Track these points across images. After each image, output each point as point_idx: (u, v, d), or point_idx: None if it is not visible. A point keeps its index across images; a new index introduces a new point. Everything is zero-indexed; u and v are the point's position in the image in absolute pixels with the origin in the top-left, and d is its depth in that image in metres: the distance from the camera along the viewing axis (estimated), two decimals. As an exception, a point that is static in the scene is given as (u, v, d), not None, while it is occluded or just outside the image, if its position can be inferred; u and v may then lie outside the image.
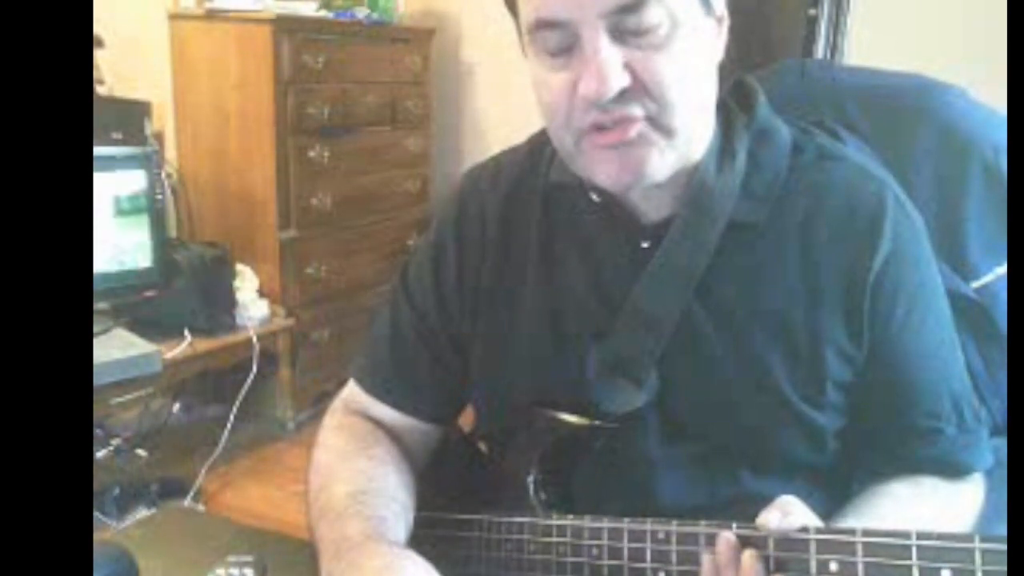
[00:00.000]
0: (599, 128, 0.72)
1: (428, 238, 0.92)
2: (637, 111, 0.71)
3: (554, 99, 0.73)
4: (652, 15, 0.69)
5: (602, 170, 0.74)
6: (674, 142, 0.73)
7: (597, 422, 0.81)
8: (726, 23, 0.77)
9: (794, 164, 0.81)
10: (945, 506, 0.79)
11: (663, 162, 0.73)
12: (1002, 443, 0.83)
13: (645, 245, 0.80)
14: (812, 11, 2.41)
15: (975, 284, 0.90)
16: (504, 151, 0.93)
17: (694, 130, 0.75)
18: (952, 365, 0.82)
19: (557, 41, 0.71)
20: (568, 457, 0.84)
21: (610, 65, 0.69)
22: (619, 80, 0.69)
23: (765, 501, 0.68)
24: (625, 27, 0.69)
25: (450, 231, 0.89)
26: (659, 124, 0.72)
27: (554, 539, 0.78)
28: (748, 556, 0.65)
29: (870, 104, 0.94)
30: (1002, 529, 0.58)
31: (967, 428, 0.81)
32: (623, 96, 0.70)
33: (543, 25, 0.71)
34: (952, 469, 0.81)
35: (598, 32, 0.68)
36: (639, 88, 0.70)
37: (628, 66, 0.69)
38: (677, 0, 0.70)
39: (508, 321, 0.86)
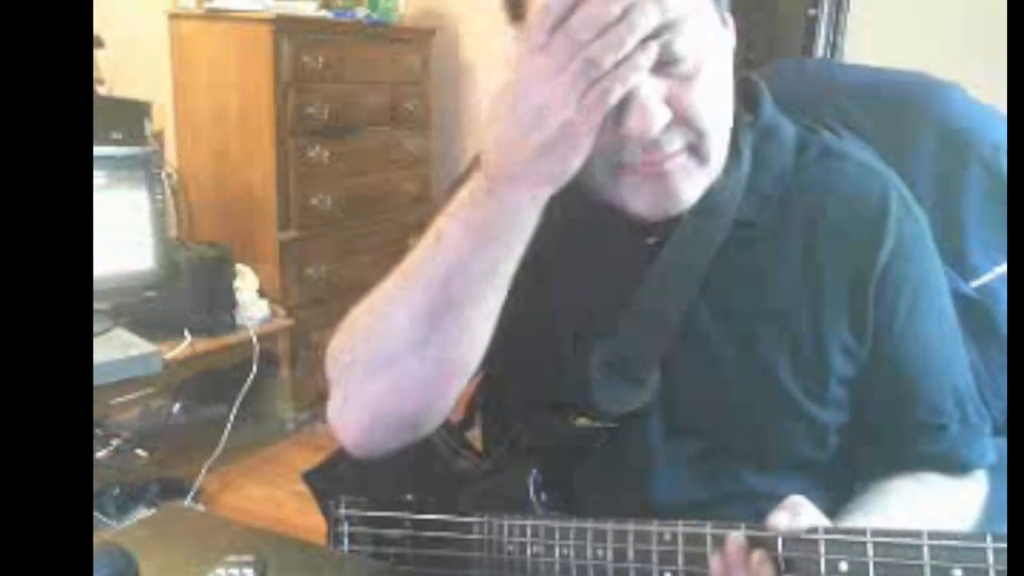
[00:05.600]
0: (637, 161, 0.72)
1: None
2: (678, 144, 0.72)
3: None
4: (682, 45, 0.69)
5: (638, 201, 0.75)
6: (708, 168, 0.75)
7: (598, 422, 0.81)
8: (731, 24, 0.77)
9: (798, 162, 0.81)
10: (949, 502, 0.79)
11: (696, 188, 0.75)
12: (1003, 442, 0.83)
13: (650, 242, 0.80)
14: (812, 11, 2.42)
15: (975, 283, 0.90)
16: None
17: (723, 148, 0.76)
18: (955, 362, 0.82)
19: None
20: (569, 457, 0.84)
21: (653, 102, 0.68)
22: (663, 116, 0.69)
23: (766, 497, 0.68)
24: (660, 60, 0.68)
25: None
26: (698, 152, 0.73)
27: (558, 541, 0.78)
28: (757, 557, 0.65)
29: (870, 102, 0.94)
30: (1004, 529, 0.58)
31: (970, 425, 0.81)
32: (665, 129, 0.70)
33: None
34: (955, 466, 0.81)
35: (641, 68, 0.67)
36: (679, 121, 0.70)
37: (667, 98, 0.69)
38: (702, 23, 0.70)
39: (509, 319, 0.86)
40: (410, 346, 0.74)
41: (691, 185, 0.74)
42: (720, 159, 0.76)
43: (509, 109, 0.68)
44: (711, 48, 0.72)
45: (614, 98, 0.65)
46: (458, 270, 0.72)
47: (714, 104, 0.73)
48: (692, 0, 0.70)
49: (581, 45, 0.65)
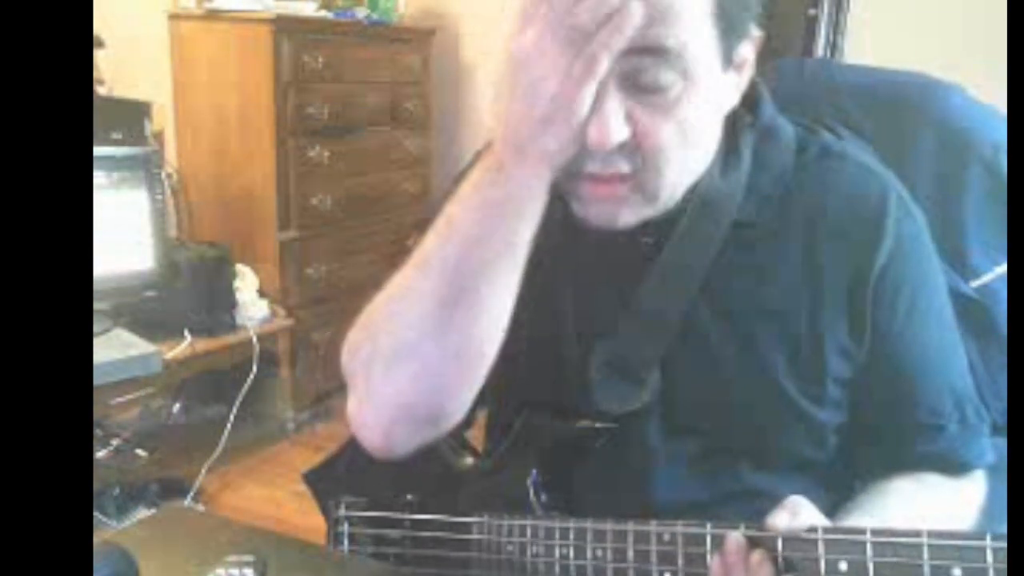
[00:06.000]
0: (592, 176, 0.71)
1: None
2: (626, 168, 0.70)
3: None
4: (665, 77, 0.67)
5: (582, 208, 0.75)
6: (654, 204, 0.74)
7: (598, 423, 0.81)
8: (749, 66, 0.76)
9: (798, 162, 0.81)
10: (948, 503, 0.80)
11: (635, 216, 0.74)
12: (1002, 442, 0.83)
13: (649, 241, 0.80)
14: (812, 11, 2.41)
15: (975, 283, 0.90)
16: None
17: (679, 185, 0.75)
18: (954, 362, 0.82)
19: None
20: (569, 457, 0.84)
21: (614, 117, 0.67)
22: (619, 134, 0.68)
23: (764, 496, 0.68)
24: (635, 81, 0.68)
25: None
26: (644, 187, 0.72)
27: (557, 541, 0.78)
28: (757, 557, 0.65)
29: (870, 102, 0.94)
30: (1004, 528, 0.58)
31: (969, 425, 0.81)
32: (620, 148, 0.69)
33: None
34: (954, 466, 0.81)
35: (609, 76, 0.67)
36: (637, 147, 0.69)
37: (629, 117, 0.68)
38: (696, 57, 0.68)
39: (510, 318, 0.86)
40: (429, 335, 0.73)
41: (630, 214, 0.74)
42: (672, 198, 0.75)
43: (511, 84, 0.68)
44: (699, 91, 0.69)
45: (601, 67, 0.65)
46: (471, 252, 0.72)
47: (680, 144, 0.71)
48: (694, 39, 0.68)
49: (566, 13, 0.65)
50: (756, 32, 0.75)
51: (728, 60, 0.72)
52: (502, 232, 0.71)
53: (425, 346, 0.73)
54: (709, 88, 0.71)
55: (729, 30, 0.70)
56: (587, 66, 0.65)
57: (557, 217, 0.85)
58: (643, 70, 0.67)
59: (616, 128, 0.68)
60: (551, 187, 0.72)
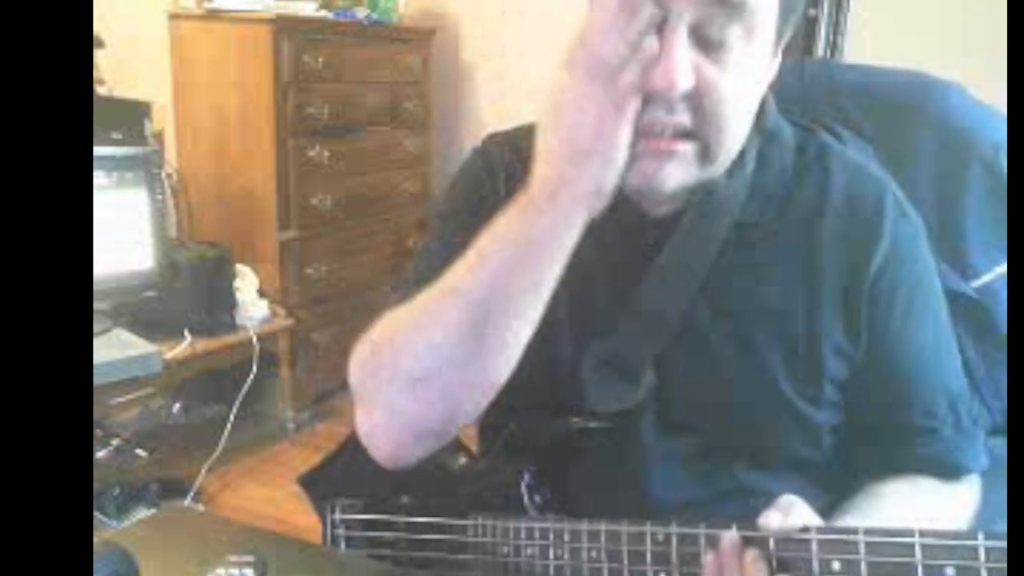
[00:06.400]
0: (650, 131, 0.70)
1: (440, 209, 0.92)
2: (688, 121, 0.70)
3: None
4: (732, 32, 0.68)
5: (632, 173, 0.72)
6: (708, 166, 0.73)
7: (592, 422, 0.81)
8: (779, 60, 0.77)
9: (797, 163, 0.81)
10: (942, 506, 0.80)
11: (683, 179, 0.73)
12: (1002, 442, 0.83)
13: (649, 240, 0.80)
14: (812, 11, 2.41)
15: (975, 283, 0.90)
16: (518, 128, 0.92)
17: (733, 149, 0.75)
18: (949, 365, 0.82)
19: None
20: (565, 456, 0.84)
21: (683, 63, 0.67)
22: (687, 80, 0.67)
23: (760, 495, 0.68)
24: (702, 33, 0.68)
25: (471, 192, 0.89)
26: (706, 145, 0.71)
27: (551, 543, 0.78)
28: (751, 556, 0.65)
29: (869, 102, 0.95)
30: (1003, 528, 0.58)
31: (963, 429, 0.81)
32: (684, 99, 0.69)
33: None
34: (948, 470, 0.81)
35: (680, 23, 0.67)
36: (697, 99, 0.69)
37: (695, 68, 0.68)
38: (763, 21, 0.69)
39: None
40: (451, 361, 0.74)
41: (681, 174, 0.72)
42: (724, 164, 0.75)
43: (553, 125, 0.69)
44: (756, 59, 0.71)
45: (623, 94, 0.66)
46: (499, 286, 0.72)
47: (737, 109, 0.71)
48: (763, 9, 0.69)
49: (595, 53, 0.66)
50: (790, 32, 0.75)
51: (776, 45, 0.73)
52: (532, 269, 0.72)
53: (447, 372, 0.74)
54: (763, 60, 0.72)
55: (784, 17, 0.72)
56: (614, 99, 0.66)
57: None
58: (713, 20, 0.67)
59: (684, 73, 0.67)
60: None
